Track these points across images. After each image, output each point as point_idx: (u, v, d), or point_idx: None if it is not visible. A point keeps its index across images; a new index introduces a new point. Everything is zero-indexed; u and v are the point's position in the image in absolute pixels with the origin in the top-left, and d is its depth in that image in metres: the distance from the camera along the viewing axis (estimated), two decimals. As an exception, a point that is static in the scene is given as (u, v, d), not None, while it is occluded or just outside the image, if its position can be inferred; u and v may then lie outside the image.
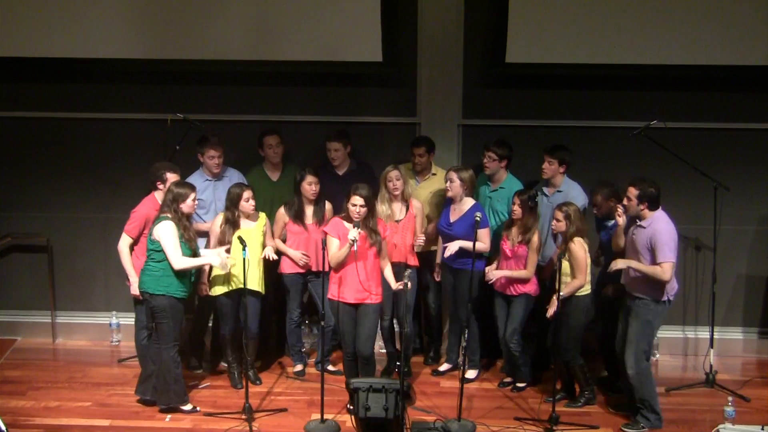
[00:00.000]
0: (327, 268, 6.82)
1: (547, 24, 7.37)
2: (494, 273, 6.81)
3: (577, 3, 7.35)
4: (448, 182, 6.92)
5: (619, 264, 6.35)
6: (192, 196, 6.49)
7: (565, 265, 6.50)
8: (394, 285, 6.53)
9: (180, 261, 6.40)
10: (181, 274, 6.44)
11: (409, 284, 6.31)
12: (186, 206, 6.46)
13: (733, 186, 7.30)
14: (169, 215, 6.42)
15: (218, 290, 6.88)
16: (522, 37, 7.37)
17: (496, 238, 7.01)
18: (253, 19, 7.44)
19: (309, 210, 7.06)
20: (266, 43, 7.48)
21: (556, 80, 7.67)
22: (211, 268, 6.84)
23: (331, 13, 7.41)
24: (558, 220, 6.52)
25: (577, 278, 6.49)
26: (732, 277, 7.82)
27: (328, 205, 7.10)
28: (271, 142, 7.34)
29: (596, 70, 7.52)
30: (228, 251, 6.71)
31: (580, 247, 6.48)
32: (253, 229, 6.87)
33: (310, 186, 6.97)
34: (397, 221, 6.95)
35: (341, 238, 6.48)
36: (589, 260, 6.55)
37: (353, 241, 6.33)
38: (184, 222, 6.45)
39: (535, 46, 7.40)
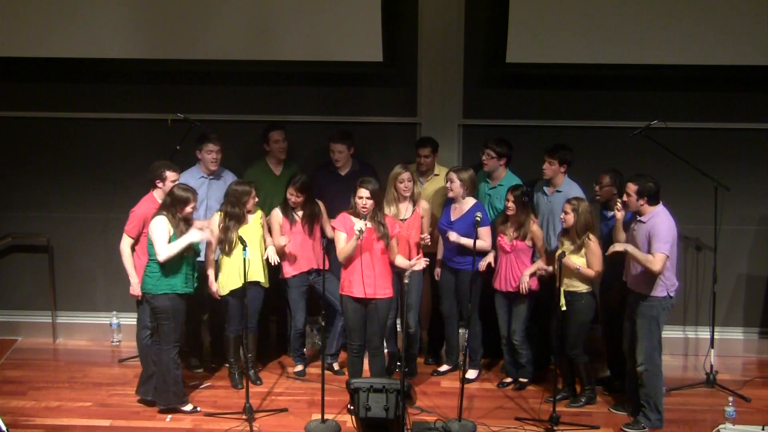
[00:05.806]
0: (327, 266, 6.85)
1: (548, 24, 7.36)
2: (524, 279, 6.76)
3: (578, 3, 7.35)
4: (449, 183, 6.93)
5: (617, 247, 6.37)
6: (192, 204, 6.46)
7: (576, 260, 6.53)
8: (409, 263, 6.50)
9: (164, 251, 6.32)
10: (182, 270, 6.40)
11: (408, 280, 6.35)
12: (184, 213, 6.44)
13: (733, 186, 7.30)
14: (164, 212, 6.41)
15: (224, 291, 6.89)
16: (522, 37, 7.37)
17: (493, 234, 7.00)
18: (254, 19, 7.44)
19: (298, 212, 7.06)
20: (266, 43, 7.48)
21: (556, 80, 7.67)
22: (216, 271, 6.84)
23: (331, 13, 7.41)
24: (566, 213, 6.55)
25: (595, 269, 6.55)
26: (732, 277, 7.82)
27: (320, 205, 7.12)
28: (278, 138, 7.34)
29: (597, 70, 7.52)
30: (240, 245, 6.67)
31: (595, 242, 6.55)
32: (250, 224, 6.89)
33: (291, 196, 6.97)
34: (402, 220, 6.93)
35: (348, 232, 6.48)
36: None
37: (360, 232, 6.33)
38: (181, 227, 6.42)
39: (536, 46, 7.39)
